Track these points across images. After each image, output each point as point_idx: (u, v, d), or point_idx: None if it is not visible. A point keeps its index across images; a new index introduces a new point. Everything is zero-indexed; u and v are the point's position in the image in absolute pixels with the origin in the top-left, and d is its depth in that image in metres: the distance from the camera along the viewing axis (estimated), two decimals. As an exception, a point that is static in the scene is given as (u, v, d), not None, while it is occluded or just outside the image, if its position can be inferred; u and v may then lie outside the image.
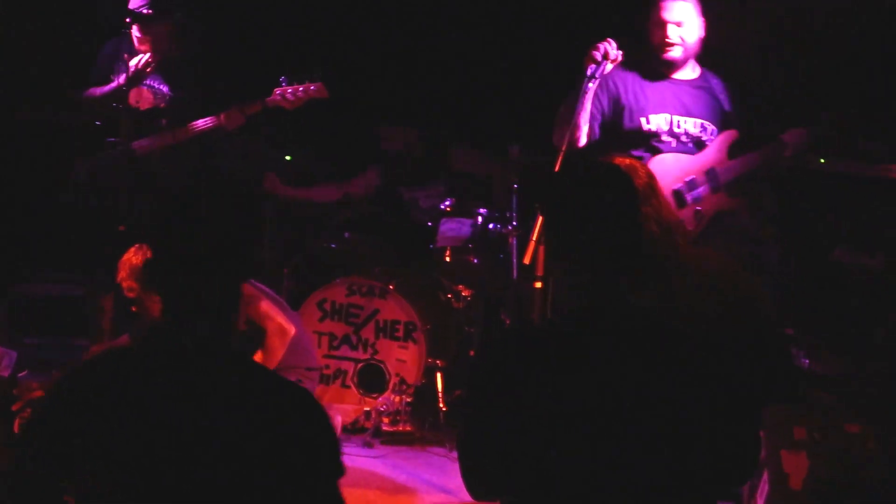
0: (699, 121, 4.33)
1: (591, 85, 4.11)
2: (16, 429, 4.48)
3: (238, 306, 2.05)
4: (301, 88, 4.94)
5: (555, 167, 3.76)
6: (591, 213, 2.15)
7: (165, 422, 1.86)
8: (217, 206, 2.03)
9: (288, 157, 5.17)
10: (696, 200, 4.25)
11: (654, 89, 4.35)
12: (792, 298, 5.15)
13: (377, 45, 6.49)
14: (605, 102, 4.34)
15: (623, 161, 3.24)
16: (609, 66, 4.17)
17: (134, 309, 4.07)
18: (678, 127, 4.31)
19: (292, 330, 4.50)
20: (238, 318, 2.07)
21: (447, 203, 5.64)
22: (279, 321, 4.47)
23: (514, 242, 5.39)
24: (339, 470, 1.98)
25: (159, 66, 5.19)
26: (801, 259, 5.19)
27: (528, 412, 2.04)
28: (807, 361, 4.88)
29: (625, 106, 4.33)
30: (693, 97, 4.37)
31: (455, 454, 4.85)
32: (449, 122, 6.28)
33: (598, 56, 4.11)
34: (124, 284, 4.02)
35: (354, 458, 4.79)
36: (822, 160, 4.96)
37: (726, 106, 4.37)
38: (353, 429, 5.20)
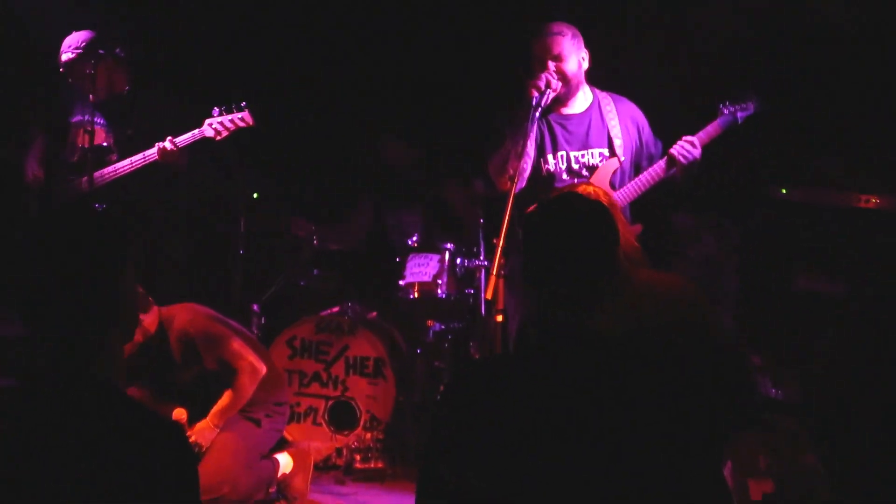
0: (596, 150, 4.27)
1: (536, 114, 4.13)
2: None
3: (110, 347, 2.03)
4: (229, 120, 4.95)
5: (508, 199, 3.75)
6: (574, 241, 2.18)
7: (30, 456, 1.87)
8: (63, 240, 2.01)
9: (255, 195, 5.17)
10: None
11: (545, 128, 4.33)
12: (756, 327, 5.19)
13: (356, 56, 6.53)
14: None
15: (586, 189, 3.24)
16: (552, 96, 4.20)
17: None
18: (576, 163, 4.28)
19: (263, 369, 4.51)
20: (111, 355, 2.04)
21: (414, 238, 5.66)
22: (250, 360, 4.48)
23: (482, 277, 5.43)
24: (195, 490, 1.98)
25: (102, 104, 5.22)
26: (763, 287, 5.23)
27: (489, 442, 2.04)
28: (774, 391, 4.93)
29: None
30: (587, 128, 4.32)
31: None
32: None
33: (542, 85, 4.15)
34: None
35: (326, 495, 4.78)
36: (784, 190, 5.02)
37: (628, 126, 4.32)
38: (325, 466, 5.20)
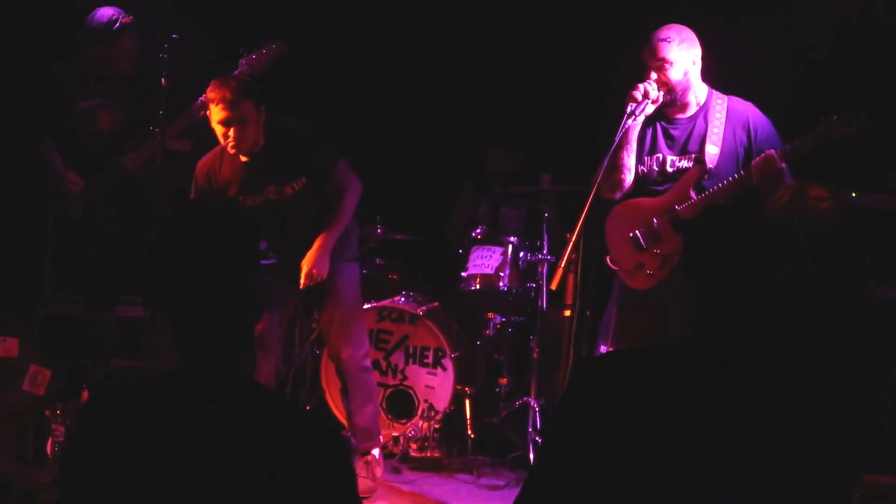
0: (693, 155, 4.22)
1: (630, 122, 4.09)
2: (48, 448, 4.55)
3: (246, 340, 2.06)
4: (263, 50, 4.89)
5: (588, 196, 3.76)
6: (727, 261, 2.11)
7: (185, 451, 1.88)
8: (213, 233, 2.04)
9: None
10: (654, 243, 4.20)
11: (650, 131, 4.32)
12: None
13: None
14: None
15: (819, 192, 3.08)
16: (651, 107, 4.16)
17: None
18: (671, 166, 4.25)
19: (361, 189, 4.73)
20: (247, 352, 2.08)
21: (478, 231, 5.67)
22: (356, 179, 4.67)
23: (545, 271, 5.43)
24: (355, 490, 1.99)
25: (123, 83, 5.19)
26: (840, 293, 5.17)
27: (617, 438, 1.99)
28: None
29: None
30: (689, 132, 4.27)
31: (483, 480, 4.91)
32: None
33: (639, 95, 4.10)
34: None
35: (382, 483, 4.81)
36: (854, 194, 4.95)
37: (736, 131, 4.23)
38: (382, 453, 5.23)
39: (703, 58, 4.27)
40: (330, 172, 4.58)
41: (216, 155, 4.61)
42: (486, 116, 6.53)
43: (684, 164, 4.23)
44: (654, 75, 4.16)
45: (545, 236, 5.44)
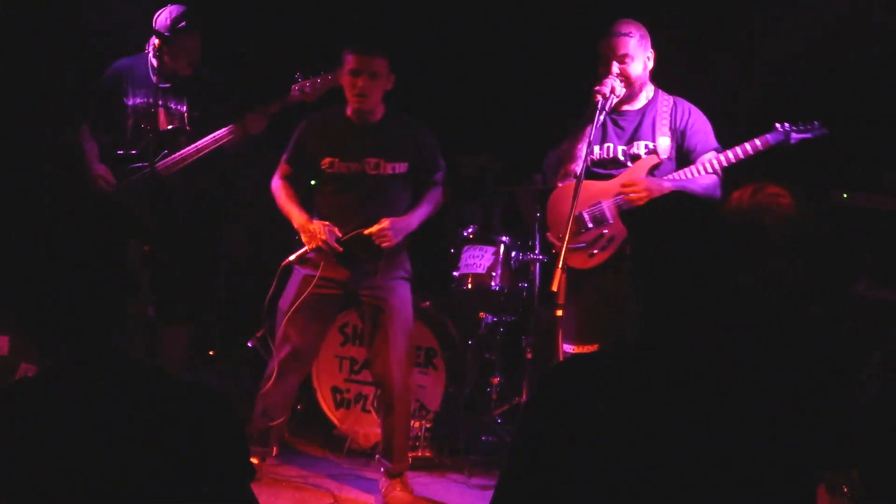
0: (643, 143, 4.28)
1: (600, 118, 4.17)
2: None
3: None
4: (318, 80, 4.93)
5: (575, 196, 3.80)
6: (680, 252, 2.11)
7: (75, 437, 1.91)
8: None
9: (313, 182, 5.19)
10: (599, 224, 4.24)
11: (604, 123, 4.36)
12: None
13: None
14: None
15: (768, 188, 3.07)
16: (614, 100, 4.23)
17: None
18: (623, 155, 4.30)
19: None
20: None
21: (470, 230, 5.67)
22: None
23: (537, 270, 5.43)
24: (250, 472, 2.02)
25: (175, 86, 5.18)
26: (822, 292, 5.18)
27: (580, 442, 2.00)
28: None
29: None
30: (638, 123, 4.33)
31: (474, 480, 4.91)
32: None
33: (606, 91, 4.17)
34: None
35: (373, 483, 4.80)
36: (846, 195, 4.97)
37: (679, 125, 4.30)
38: (373, 452, 5.22)
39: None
40: (432, 171, 4.74)
41: (322, 115, 4.75)
42: (471, 119, 6.52)
43: (635, 150, 4.29)
44: (616, 69, 4.24)
45: (537, 236, 5.44)
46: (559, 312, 3.70)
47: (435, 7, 6.48)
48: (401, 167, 4.62)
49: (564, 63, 6.08)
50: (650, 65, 4.35)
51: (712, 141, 4.29)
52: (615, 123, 4.36)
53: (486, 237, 5.61)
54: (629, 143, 4.31)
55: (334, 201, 4.69)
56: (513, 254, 5.53)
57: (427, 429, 5.30)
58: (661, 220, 2.18)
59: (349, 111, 4.67)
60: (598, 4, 5.50)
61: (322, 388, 5.52)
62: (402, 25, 6.39)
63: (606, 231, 4.21)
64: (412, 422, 5.28)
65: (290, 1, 6.54)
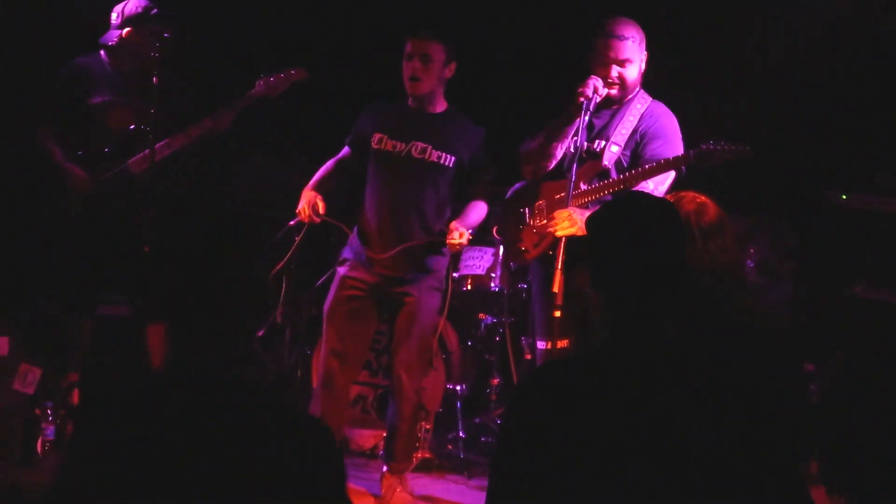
0: (604, 142, 4.23)
1: (587, 118, 4.11)
2: (38, 447, 4.55)
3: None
4: (282, 75, 4.90)
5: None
6: (636, 246, 2.13)
7: (180, 450, 1.90)
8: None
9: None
10: (537, 222, 4.27)
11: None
12: (810, 334, 5.15)
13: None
14: None
15: (688, 196, 3.15)
16: (598, 100, 4.15)
17: None
18: (585, 151, 4.24)
19: None
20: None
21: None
22: None
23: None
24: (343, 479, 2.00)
25: (138, 84, 5.09)
26: (819, 294, 5.20)
27: (558, 449, 2.02)
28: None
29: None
30: (606, 124, 4.29)
31: (474, 481, 4.92)
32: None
33: (589, 92, 4.10)
34: None
35: (373, 484, 4.81)
36: (844, 196, 4.98)
37: (641, 129, 4.24)
38: (372, 454, 5.23)
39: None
40: (480, 175, 4.63)
41: (387, 100, 4.73)
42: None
43: (595, 148, 4.24)
44: (614, 72, 4.19)
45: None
46: (557, 314, 3.70)
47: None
48: (448, 159, 4.54)
49: (560, 63, 6.10)
50: (643, 67, 4.29)
51: (668, 150, 4.13)
52: (589, 121, 4.26)
53: (485, 238, 5.62)
54: (592, 139, 4.26)
55: (374, 180, 4.63)
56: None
57: (427, 430, 5.30)
58: (618, 220, 2.19)
59: (409, 100, 4.64)
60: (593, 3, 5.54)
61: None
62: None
63: (537, 230, 4.25)
64: (412, 423, 5.30)
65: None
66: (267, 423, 1.96)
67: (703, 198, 3.14)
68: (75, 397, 4.84)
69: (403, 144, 4.55)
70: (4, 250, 6.09)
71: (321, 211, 4.52)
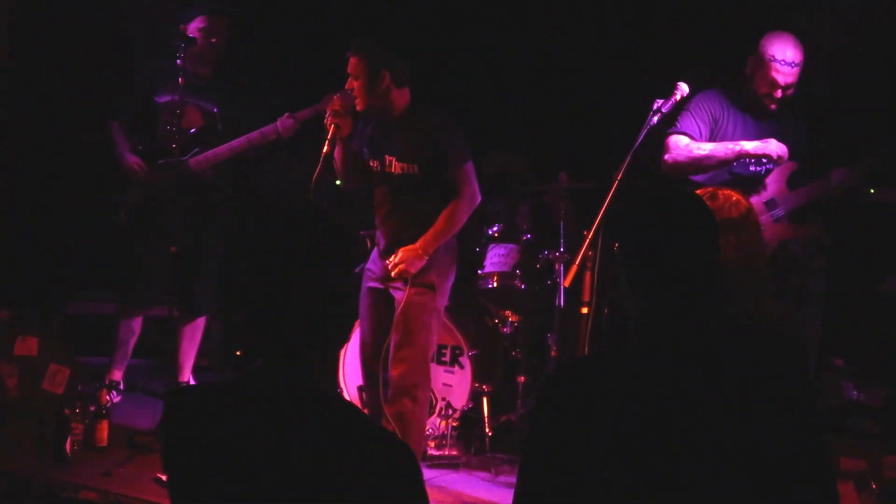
0: None
1: (654, 119, 4.09)
2: (68, 447, 4.58)
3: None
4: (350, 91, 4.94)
5: (609, 192, 3.78)
6: (670, 243, 2.11)
7: (260, 454, 1.91)
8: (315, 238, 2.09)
9: (338, 182, 5.20)
10: None
11: (742, 124, 4.63)
12: (840, 329, 5.11)
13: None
14: (705, 122, 4.63)
15: (731, 194, 3.15)
16: (671, 104, 4.17)
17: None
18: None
19: (479, 200, 4.58)
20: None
21: (495, 229, 5.67)
22: (476, 188, 4.53)
23: (561, 268, 5.43)
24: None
25: (207, 85, 5.29)
26: (850, 289, 5.16)
27: (593, 446, 2.00)
28: (855, 393, 4.86)
29: (721, 133, 4.62)
30: (768, 132, 4.57)
31: (501, 478, 4.91)
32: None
33: (678, 95, 4.16)
34: None
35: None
36: (872, 190, 4.94)
37: (793, 138, 4.56)
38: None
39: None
40: (451, 170, 4.43)
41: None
42: (495, 115, 6.52)
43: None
44: (778, 95, 4.51)
45: (562, 234, 5.43)
46: (584, 310, 3.70)
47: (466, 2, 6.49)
48: (411, 168, 4.44)
49: (591, 62, 6.10)
50: None
51: None
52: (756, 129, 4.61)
53: (511, 235, 5.61)
54: None
55: (372, 200, 4.67)
56: (538, 252, 5.54)
57: (454, 427, 5.30)
58: (653, 218, 2.16)
59: None
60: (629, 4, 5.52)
61: (349, 388, 5.53)
62: (428, 17, 6.40)
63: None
64: (439, 420, 5.30)
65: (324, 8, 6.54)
66: (351, 439, 1.95)
67: (736, 195, 3.13)
68: (104, 397, 4.87)
69: (377, 161, 4.54)
70: (36, 250, 6.17)
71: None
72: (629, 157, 4.06)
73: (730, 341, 2.12)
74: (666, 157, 4.57)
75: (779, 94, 4.50)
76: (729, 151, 4.46)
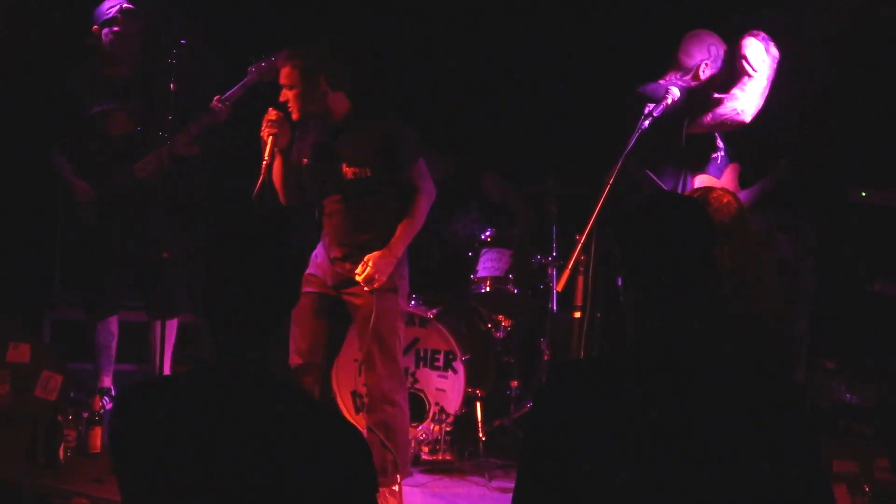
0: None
1: (646, 123, 4.06)
2: (60, 453, 4.57)
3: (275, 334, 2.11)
4: (273, 58, 4.79)
5: (601, 196, 3.78)
6: (667, 245, 2.13)
7: (208, 446, 1.92)
8: (265, 233, 2.10)
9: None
10: None
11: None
12: (831, 330, 5.13)
13: (401, 65, 6.49)
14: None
15: (721, 196, 3.17)
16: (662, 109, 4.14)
17: None
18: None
19: (434, 195, 4.56)
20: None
21: (487, 233, 5.68)
22: (431, 184, 4.52)
23: (554, 273, 5.44)
24: (375, 486, 2.02)
25: (131, 86, 5.19)
26: (841, 291, 5.18)
27: (586, 447, 2.01)
28: (848, 396, 4.87)
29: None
30: None
31: (495, 483, 4.91)
32: (481, 149, 6.30)
33: (669, 99, 4.14)
34: None
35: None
36: (864, 193, 4.96)
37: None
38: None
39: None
40: (404, 168, 4.42)
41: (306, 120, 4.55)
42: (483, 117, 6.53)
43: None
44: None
45: (554, 238, 5.45)
46: (577, 314, 3.70)
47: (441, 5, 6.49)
48: (364, 172, 4.41)
49: (567, 64, 6.11)
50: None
51: None
52: None
53: (503, 240, 5.62)
54: None
55: (321, 211, 4.62)
56: (530, 256, 5.55)
57: (447, 432, 5.30)
58: (650, 220, 2.19)
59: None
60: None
61: (342, 393, 5.53)
62: (403, 21, 6.40)
63: None
64: (432, 425, 5.30)
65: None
66: (303, 424, 1.97)
67: (728, 196, 3.15)
68: (97, 403, 4.87)
69: (329, 169, 4.48)
70: (23, 257, 6.14)
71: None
72: (621, 162, 4.07)
73: (725, 342, 2.14)
74: None
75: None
76: None
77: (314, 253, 4.64)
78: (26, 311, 5.82)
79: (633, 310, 2.15)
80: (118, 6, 5.10)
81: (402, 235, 4.42)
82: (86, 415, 4.78)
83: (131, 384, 2.09)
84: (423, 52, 6.48)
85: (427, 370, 5.50)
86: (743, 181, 4.62)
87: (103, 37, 5.13)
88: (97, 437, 4.76)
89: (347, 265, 4.47)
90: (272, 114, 4.37)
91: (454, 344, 5.44)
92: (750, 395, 2.04)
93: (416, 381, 5.50)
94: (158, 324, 5.20)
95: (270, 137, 4.37)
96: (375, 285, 4.36)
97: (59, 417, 4.63)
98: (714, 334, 2.12)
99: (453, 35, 6.48)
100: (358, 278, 4.37)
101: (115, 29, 5.11)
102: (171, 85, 4.86)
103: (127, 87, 5.20)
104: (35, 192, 6.16)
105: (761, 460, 1.98)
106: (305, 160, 4.54)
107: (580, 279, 3.67)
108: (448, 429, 5.31)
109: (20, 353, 4.87)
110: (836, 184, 5.15)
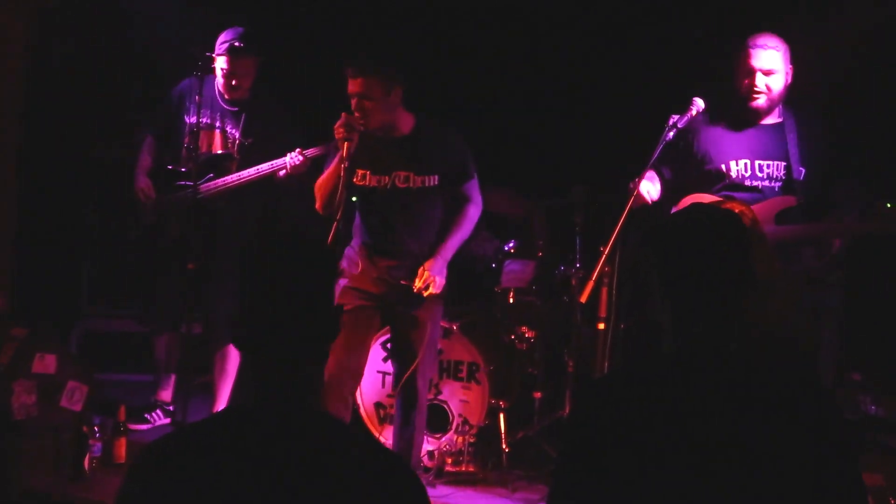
0: (780, 163, 4.31)
1: (670, 134, 4.09)
2: (86, 464, 4.59)
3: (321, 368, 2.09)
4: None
5: (625, 208, 3.77)
6: (705, 257, 2.16)
7: (254, 489, 1.87)
8: (294, 266, 2.05)
9: (354, 199, 5.21)
10: None
11: (737, 136, 4.38)
12: (858, 343, 5.09)
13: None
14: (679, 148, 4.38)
15: (733, 206, 3.18)
16: (687, 119, 4.17)
17: None
18: (760, 171, 4.32)
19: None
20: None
21: (511, 245, 5.68)
22: (480, 197, 4.75)
23: (577, 284, 5.42)
24: None
25: (236, 110, 5.31)
26: (868, 303, 5.14)
27: (623, 458, 2.02)
28: (873, 407, 4.83)
29: (702, 152, 4.40)
30: (774, 140, 4.36)
31: (518, 494, 4.90)
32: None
33: (693, 111, 4.14)
34: None
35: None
36: (889, 204, 4.91)
37: (802, 144, 4.34)
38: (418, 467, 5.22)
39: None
40: (465, 182, 4.64)
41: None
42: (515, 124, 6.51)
43: (774, 170, 4.34)
44: (761, 82, 4.25)
45: (577, 249, 5.43)
46: (601, 326, 3.69)
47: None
48: (431, 180, 4.57)
49: (593, 76, 6.10)
50: (789, 80, 4.34)
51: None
52: (755, 139, 4.37)
53: (527, 251, 5.61)
54: (770, 159, 4.33)
55: (368, 219, 4.71)
56: (554, 267, 5.53)
57: (470, 444, 5.29)
58: (687, 232, 2.21)
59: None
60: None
61: (366, 405, 5.53)
62: (441, 29, 6.41)
63: None
64: (455, 437, 5.29)
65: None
66: (356, 461, 1.94)
67: (741, 207, 3.16)
68: (122, 413, 4.90)
69: (387, 178, 4.58)
70: (51, 267, 6.19)
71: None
72: (645, 173, 4.07)
73: (758, 353, 2.14)
74: None
75: (758, 83, 4.26)
76: None
77: (343, 264, 4.67)
78: (54, 321, 5.87)
79: (669, 322, 2.16)
80: (228, 43, 5.20)
81: (453, 242, 4.60)
82: (111, 425, 4.82)
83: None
84: (435, 62, 6.49)
85: (450, 381, 5.49)
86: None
87: (214, 63, 5.24)
88: (122, 448, 4.79)
89: (402, 274, 4.60)
90: (349, 118, 4.40)
91: (478, 355, 5.43)
92: (788, 408, 2.05)
93: (439, 392, 5.49)
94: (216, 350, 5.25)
95: (347, 142, 4.40)
96: (437, 291, 4.53)
97: (85, 428, 4.66)
98: (751, 345, 2.14)
99: (473, 49, 6.49)
100: (418, 284, 4.50)
101: (224, 66, 5.22)
102: (197, 97, 4.97)
103: (226, 109, 5.32)
104: (64, 203, 6.23)
105: (802, 472, 1.98)
106: (360, 171, 4.60)
107: (604, 290, 3.66)
108: (471, 440, 5.30)
109: (46, 363, 4.90)
110: (864, 196, 5.10)
